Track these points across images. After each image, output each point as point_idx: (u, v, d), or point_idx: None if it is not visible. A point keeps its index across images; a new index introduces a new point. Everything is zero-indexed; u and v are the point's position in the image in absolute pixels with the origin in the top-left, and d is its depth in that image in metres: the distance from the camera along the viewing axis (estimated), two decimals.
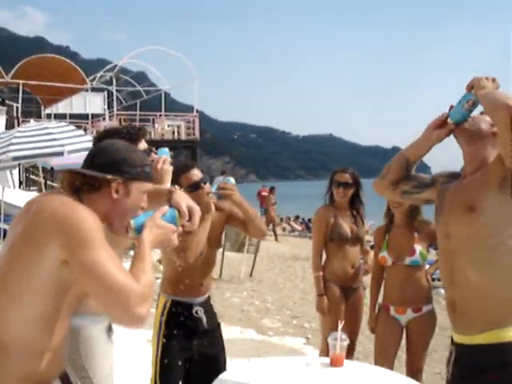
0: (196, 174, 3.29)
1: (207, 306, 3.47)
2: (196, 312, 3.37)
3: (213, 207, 3.22)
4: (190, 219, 2.17)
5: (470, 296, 2.20)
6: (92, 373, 2.61)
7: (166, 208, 2.04)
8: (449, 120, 2.28)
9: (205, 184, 3.26)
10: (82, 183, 1.89)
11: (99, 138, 2.72)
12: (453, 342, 2.31)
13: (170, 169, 2.85)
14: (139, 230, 1.93)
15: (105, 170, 1.89)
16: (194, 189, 3.21)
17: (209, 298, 3.51)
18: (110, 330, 2.80)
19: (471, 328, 2.19)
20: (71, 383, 2.27)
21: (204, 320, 3.39)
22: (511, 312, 2.14)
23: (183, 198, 2.25)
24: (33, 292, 1.78)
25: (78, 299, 1.97)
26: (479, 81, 2.18)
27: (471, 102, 2.22)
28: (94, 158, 1.95)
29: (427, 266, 4.13)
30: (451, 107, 2.30)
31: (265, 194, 23.58)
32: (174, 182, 3.23)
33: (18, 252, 1.79)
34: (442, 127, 2.30)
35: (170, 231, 1.98)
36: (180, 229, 2.06)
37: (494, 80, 2.19)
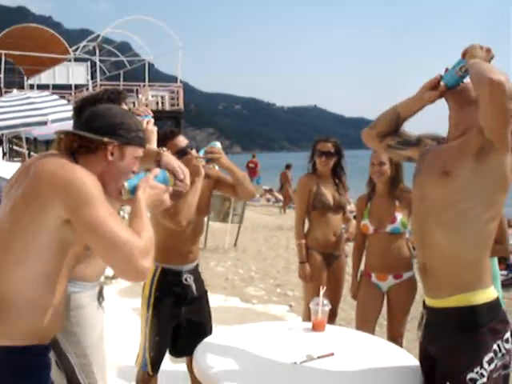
0: (182, 140, 3.32)
1: (196, 273, 3.51)
2: (185, 279, 3.41)
3: (202, 170, 3.24)
4: (181, 180, 2.29)
5: (438, 259, 2.26)
6: (82, 338, 2.65)
7: (157, 170, 2.12)
8: (442, 83, 2.31)
9: (191, 150, 3.29)
10: (79, 145, 1.95)
11: (79, 107, 2.69)
12: (424, 306, 2.37)
13: (154, 129, 2.87)
14: (133, 190, 2.01)
15: (102, 133, 1.95)
16: (181, 155, 3.22)
17: (197, 265, 3.55)
18: (100, 297, 2.84)
19: (441, 291, 2.25)
20: (61, 349, 2.31)
21: (193, 287, 3.44)
22: (478, 276, 2.20)
23: (173, 160, 2.32)
24: (36, 251, 1.85)
25: (76, 258, 2.05)
26: (472, 49, 2.20)
27: (464, 69, 2.24)
28: (91, 121, 1.99)
29: (408, 234, 4.19)
30: (446, 70, 2.32)
31: (252, 165, 23.66)
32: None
33: (21, 213, 1.84)
34: (435, 89, 2.33)
35: (162, 191, 2.07)
36: (171, 189, 2.14)
37: (488, 50, 2.20)
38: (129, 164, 2.03)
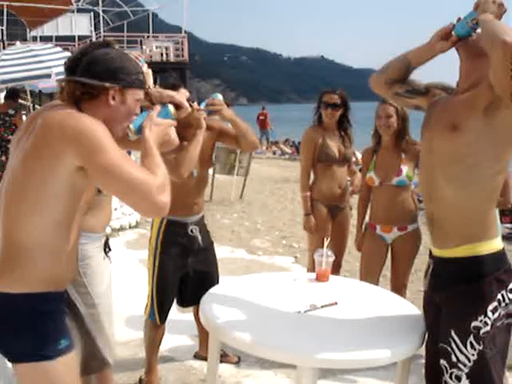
0: (183, 92, 3.30)
1: (201, 224, 3.55)
2: (191, 230, 3.46)
3: (204, 123, 3.22)
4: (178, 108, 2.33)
5: (445, 211, 2.27)
6: (91, 288, 2.72)
7: (158, 107, 2.16)
8: (453, 33, 2.28)
9: (193, 102, 3.28)
10: (82, 93, 1.97)
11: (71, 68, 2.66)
12: (431, 256, 2.40)
13: (149, 71, 2.86)
14: (139, 130, 2.06)
15: (102, 79, 1.97)
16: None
17: (202, 217, 3.59)
18: (106, 247, 2.89)
19: (448, 242, 2.27)
20: (71, 299, 2.36)
21: (199, 238, 3.49)
22: (484, 227, 2.22)
23: (163, 92, 2.33)
24: (50, 199, 1.89)
25: (87, 205, 2.08)
26: (485, 2, 2.16)
27: (475, 21, 2.20)
28: (91, 67, 1.99)
29: (414, 187, 4.20)
30: (458, 19, 2.29)
31: (262, 117, 23.50)
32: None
33: (32, 164, 1.88)
34: (447, 38, 2.30)
35: (168, 126, 2.11)
36: (175, 122, 2.18)
37: (500, 5, 2.15)
38: (131, 106, 2.05)
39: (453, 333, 2.19)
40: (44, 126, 1.87)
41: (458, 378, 2.18)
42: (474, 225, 2.22)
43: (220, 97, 3.34)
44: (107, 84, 1.96)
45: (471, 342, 2.16)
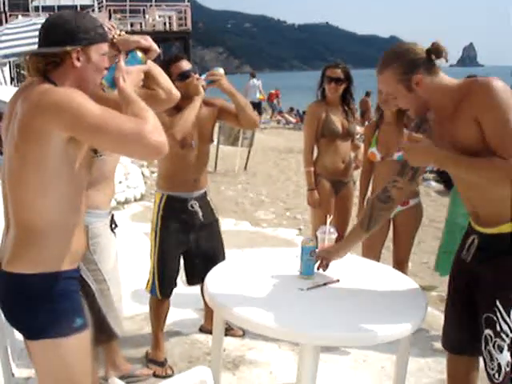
0: (185, 64, 3.37)
1: (203, 200, 3.57)
2: (191, 206, 3.48)
3: (201, 90, 3.32)
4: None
5: (483, 198, 2.31)
6: (100, 265, 2.79)
7: (123, 56, 2.15)
8: None
9: (194, 74, 3.34)
10: (46, 63, 1.96)
11: None
12: (473, 230, 2.41)
13: (112, 22, 2.82)
14: (112, 83, 2.06)
15: (62, 44, 1.94)
16: (183, 78, 3.31)
17: (205, 193, 3.60)
18: (112, 223, 2.95)
19: (491, 224, 2.30)
20: (82, 276, 2.42)
21: (200, 213, 3.50)
22: None
23: (127, 37, 2.28)
24: (51, 177, 1.91)
25: (87, 172, 2.09)
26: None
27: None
28: (47, 36, 1.98)
29: None
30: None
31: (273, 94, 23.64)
32: (165, 72, 3.31)
33: (24, 149, 1.89)
34: None
35: (139, 71, 2.14)
36: (147, 65, 2.21)
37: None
38: (98, 62, 2.02)
39: (498, 302, 2.24)
40: (24, 110, 1.87)
41: (500, 349, 2.24)
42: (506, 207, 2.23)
43: (221, 70, 3.41)
44: (68, 48, 1.94)
45: None
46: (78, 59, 1.97)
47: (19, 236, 1.98)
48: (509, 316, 2.21)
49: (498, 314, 2.23)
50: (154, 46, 2.29)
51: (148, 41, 2.27)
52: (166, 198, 3.46)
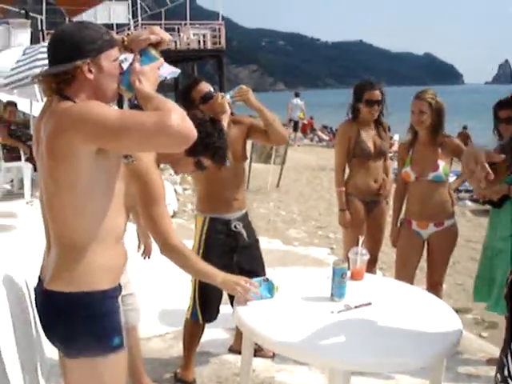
0: (205, 85, 3.35)
1: (245, 220, 3.52)
2: (235, 226, 3.42)
3: (227, 107, 3.28)
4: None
5: None
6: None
7: (137, 56, 2.07)
8: None
9: (216, 93, 3.33)
10: (58, 82, 1.93)
11: None
12: None
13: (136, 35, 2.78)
14: (130, 87, 2.01)
15: (70, 59, 1.90)
16: (206, 99, 3.29)
17: (246, 213, 3.56)
18: None
19: None
20: None
21: (244, 234, 3.45)
22: None
23: (138, 35, 2.17)
24: (86, 195, 1.90)
25: (123, 182, 2.07)
26: None
27: None
28: (54, 54, 1.95)
29: (452, 179, 4.12)
30: None
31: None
32: (187, 98, 3.30)
33: (55, 171, 1.89)
34: None
35: (154, 69, 2.05)
36: (161, 60, 2.10)
37: None
38: (110, 70, 1.98)
39: None
40: (48, 133, 1.87)
41: None
42: None
43: (244, 87, 3.40)
44: (78, 62, 1.90)
45: None
46: (90, 71, 1.93)
47: (60, 255, 1.98)
48: None
49: None
50: (164, 35, 2.17)
51: (157, 34, 2.16)
52: (209, 220, 3.40)
